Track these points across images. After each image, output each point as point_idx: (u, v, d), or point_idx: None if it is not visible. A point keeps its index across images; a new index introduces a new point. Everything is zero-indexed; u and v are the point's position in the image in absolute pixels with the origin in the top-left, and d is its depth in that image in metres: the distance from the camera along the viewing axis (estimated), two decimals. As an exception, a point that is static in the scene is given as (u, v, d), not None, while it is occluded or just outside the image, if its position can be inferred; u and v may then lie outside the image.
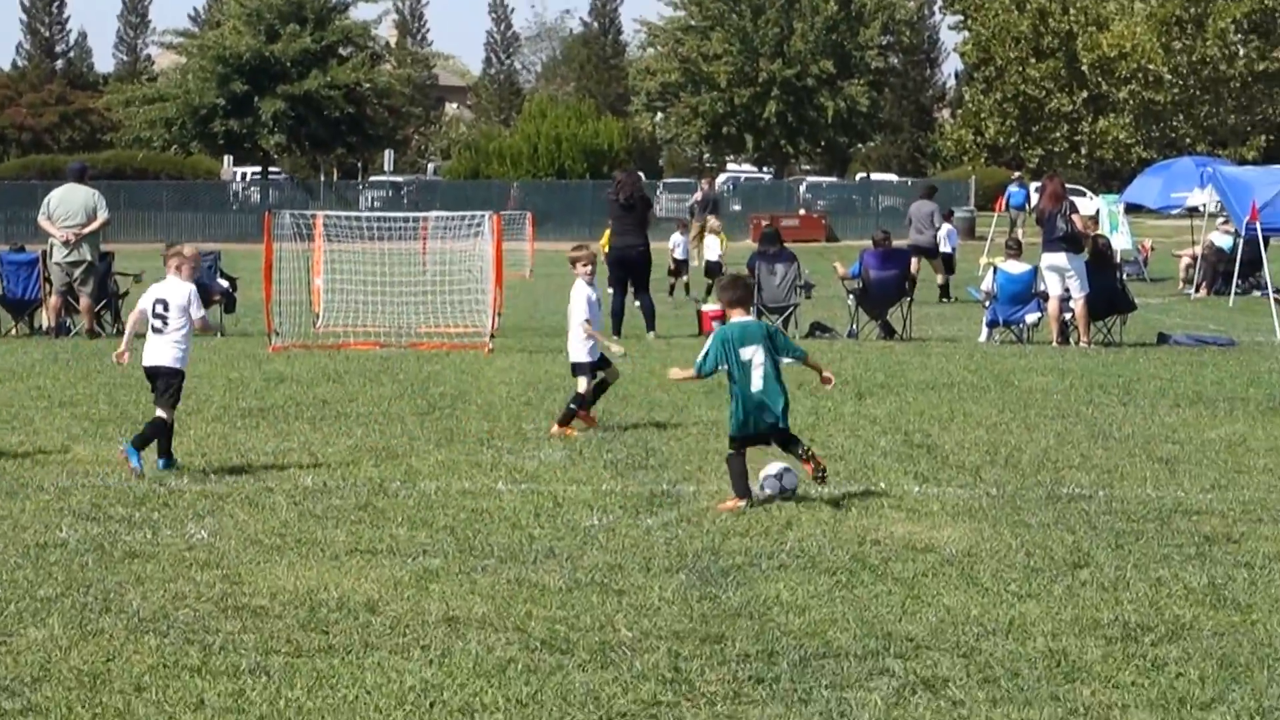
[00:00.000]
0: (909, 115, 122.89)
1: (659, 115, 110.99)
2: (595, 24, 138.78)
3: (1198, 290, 40.77)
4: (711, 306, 29.69)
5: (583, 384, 16.81)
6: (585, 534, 11.77)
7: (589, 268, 17.15)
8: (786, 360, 13.23)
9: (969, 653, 8.86)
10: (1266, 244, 35.37)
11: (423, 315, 27.80)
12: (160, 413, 14.41)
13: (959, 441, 16.08)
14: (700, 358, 13.19)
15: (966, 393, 19.95)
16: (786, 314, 28.04)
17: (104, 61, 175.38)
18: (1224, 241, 40.98)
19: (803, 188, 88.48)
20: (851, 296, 28.79)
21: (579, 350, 16.91)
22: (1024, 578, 10.51)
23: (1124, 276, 29.93)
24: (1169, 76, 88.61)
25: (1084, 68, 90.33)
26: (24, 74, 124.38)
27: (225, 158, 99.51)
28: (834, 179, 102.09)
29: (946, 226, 41.31)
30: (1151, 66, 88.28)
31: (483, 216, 28.89)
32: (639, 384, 19.90)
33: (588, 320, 16.90)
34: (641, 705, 8.03)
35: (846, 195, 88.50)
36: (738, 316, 13.21)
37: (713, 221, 42.24)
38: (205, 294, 27.51)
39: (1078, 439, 16.32)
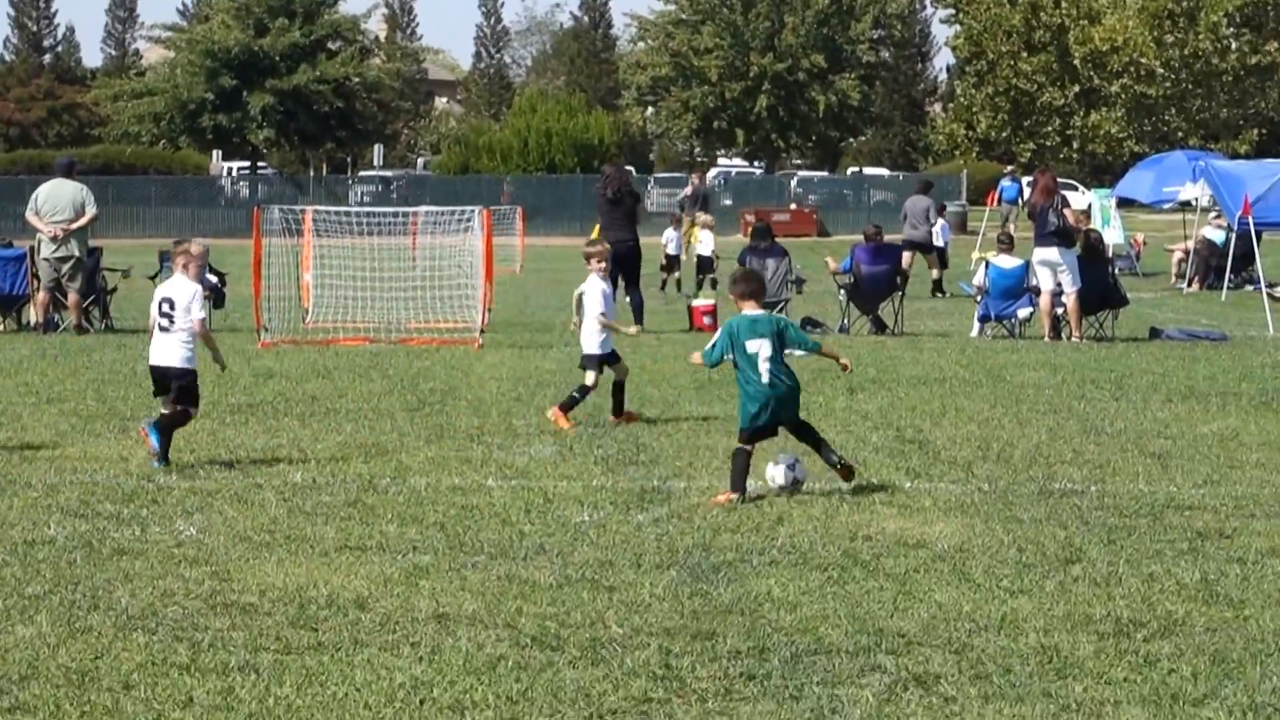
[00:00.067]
0: (900, 109, 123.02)
1: (649, 109, 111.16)
2: (585, 18, 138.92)
3: (1190, 285, 40.75)
4: (702, 302, 29.70)
5: (590, 377, 16.86)
6: (576, 530, 11.74)
7: (603, 263, 17.47)
8: (799, 353, 13.27)
9: (961, 649, 8.83)
10: (1259, 238, 35.31)
11: (413, 311, 27.78)
12: (164, 410, 14.51)
13: (951, 437, 16.06)
14: (709, 346, 13.30)
15: (958, 388, 19.93)
16: (778, 309, 27.96)
17: (92, 56, 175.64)
18: (1216, 236, 40.94)
19: (794, 182, 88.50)
20: (843, 291, 28.77)
21: (591, 343, 17.01)
22: (1016, 573, 10.48)
23: (1116, 271, 29.89)
24: (1161, 70, 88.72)
25: (1076, 61, 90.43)
26: (11, 69, 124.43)
27: (214, 153, 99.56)
28: (825, 173, 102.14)
29: (940, 221, 41.30)
30: (1143, 60, 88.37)
31: (473, 211, 28.87)
32: (629, 380, 19.84)
33: (603, 314, 17.05)
34: (632, 702, 8.00)
35: (838, 190, 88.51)
36: (748, 309, 13.24)
37: (705, 216, 42.18)
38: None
39: (1070, 434, 16.29)
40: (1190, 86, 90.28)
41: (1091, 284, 26.44)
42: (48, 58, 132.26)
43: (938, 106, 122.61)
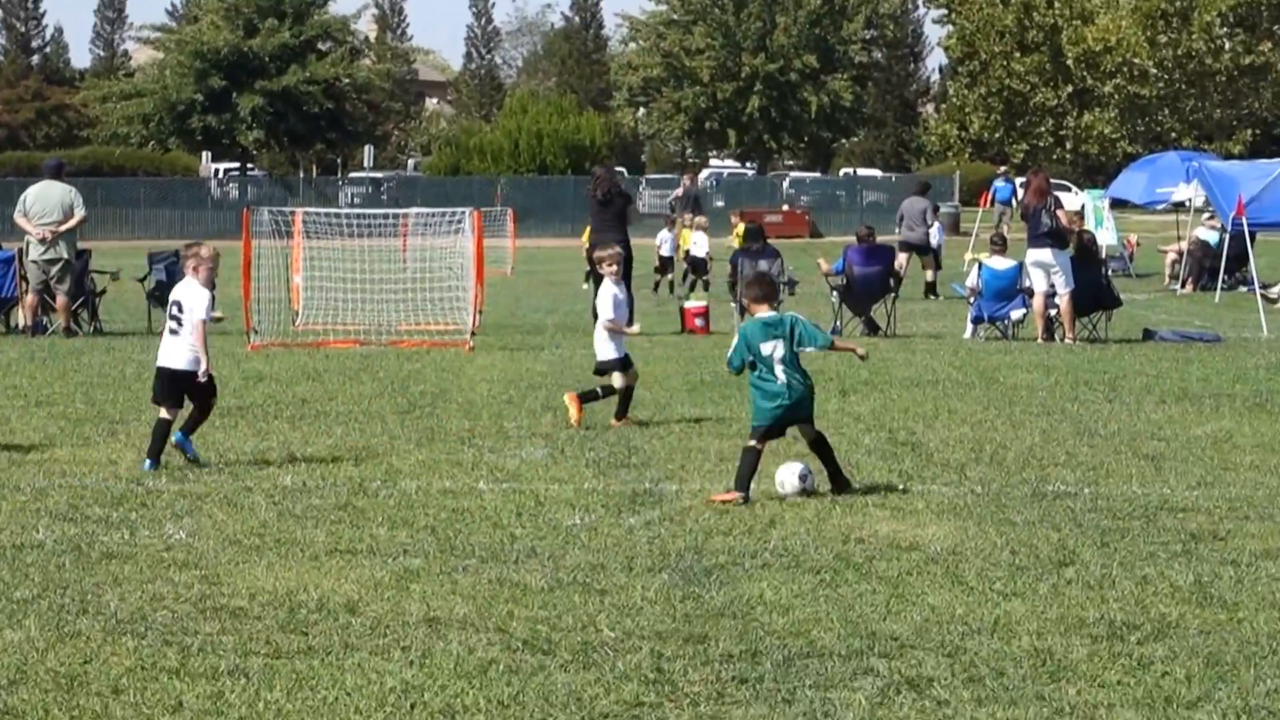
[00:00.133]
0: (893, 110, 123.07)
1: (641, 110, 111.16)
2: (576, 18, 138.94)
3: (1183, 286, 40.74)
4: (694, 303, 29.67)
5: (618, 379, 16.89)
6: (567, 533, 11.71)
7: (614, 267, 17.63)
8: (811, 349, 13.29)
9: (954, 652, 8.81)
10: (1253, 239, 35.29)
11: (403, 313, 27.73)
12: (195, 410, 14.61)
13: (943, 439, 16.04)
14: (729, 353, 13.38)
15: (951, 390, 19.91)
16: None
17: (81, 57, 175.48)
18: (1210, 237, 40.95)
19: (786, 183, 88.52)
20: (835, 293, 28.74)
21: (604, 349, 17.02)
22: (1009, 576, 10.45)
23: (1109, 272, 29.90)
24: (1154, 70, 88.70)
25: (1069, 62, 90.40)
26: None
27: (203, 154, 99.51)
28: (817, 174, 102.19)
29: (935, 223, 41.24)
30: (1137, 60, 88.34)
31: (464, 213, 28.82)
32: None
33: (611, 319, 17.08)
34: (624, 706, 7.97)
35: (830, 191, 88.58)
36: (761, 312, 13.33)
37: (700, 218, 42.22)
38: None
39: (1063, 436, 16.27)
40: (1184, 87, 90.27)
41: (1085, 285, 26.43)
42: (36, 59, 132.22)
43: (930, 107, 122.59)
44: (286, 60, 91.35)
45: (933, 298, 38.39)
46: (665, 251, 41.64)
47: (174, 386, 14.42)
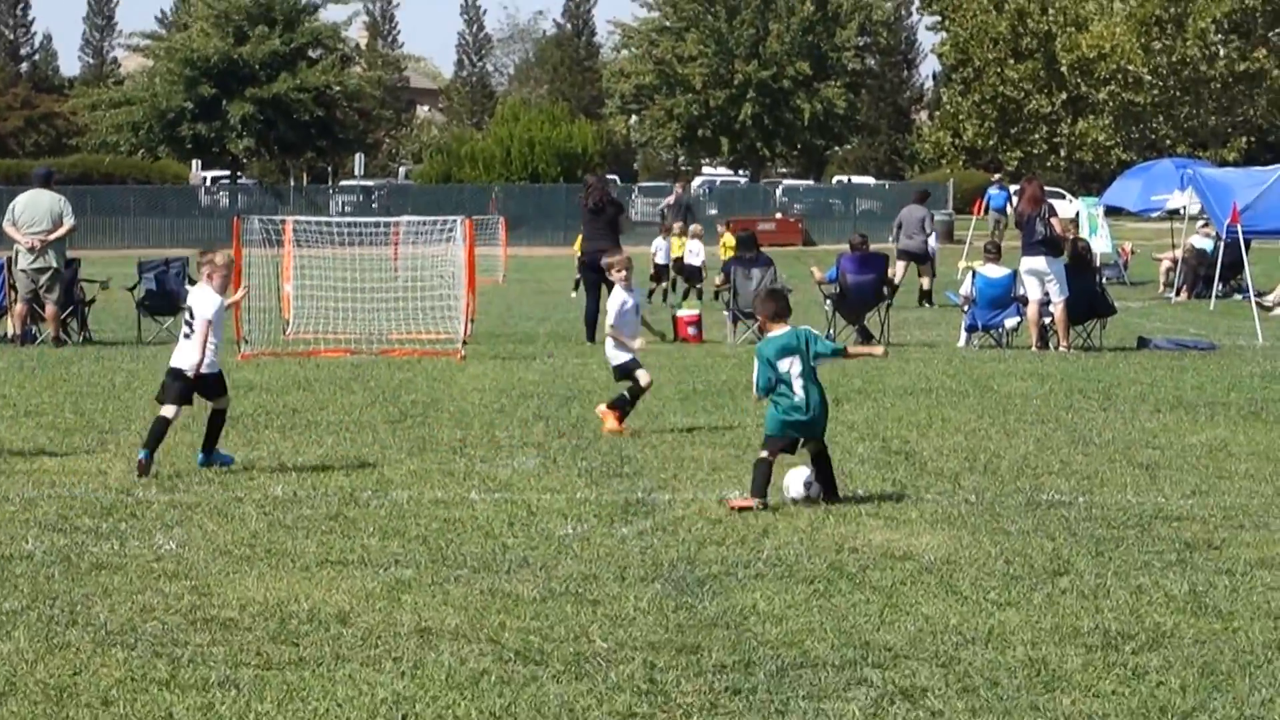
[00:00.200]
0: (886, 117, 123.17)
1: (633, 118, 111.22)
2: (568, 25, 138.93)
3: (1178, 294, 40.78)
4: (686, 312, 29.64)
5: (644, 376, 16.98)
6: (559, 543, 11.66)
7: (623, 273, 17.58)
8: (826, 360, 13.28)
9: (948, 662, 8.77)
10: (1248, 247, 35.31)
11: (394, 322, 27.70)
12: (216, 408, 14.65)
13: (937, 448, 16.01)
14: (754, 378, 13.31)
15: (945, 398, 19.88)
16: (762, 318, 27.92)
17: (70, 65, 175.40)
18: (1204, 244, 40.99)
19: (779, 191, 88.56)
20: (828, 301, 28.71)
21: (617, 355, 17.08)
22: (1003, 586, 10.42)
23: (1104, 280, 29.89)
24: (1149, 77, 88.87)
25: (1063, 69, 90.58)
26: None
27: (193, 162, 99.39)
28: (810, 182, 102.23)
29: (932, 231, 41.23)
30: (1131, 67, 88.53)
31: (455, 221, 28.79)
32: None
33: (613, 326, 17.15)
34: (617, 717, 7.94)
35: (823, 199, 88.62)
36: (776, 330, 13.30)
37: (695, 226, 42.31)
38: (173, 300, 27.49)
39: (1057, 445, 16.25)
40: (1178, 94, 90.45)
41: (1079, 293, 26.42)
42: (25, 66, 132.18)
43: (924, 114, 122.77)
44: (277, 68, 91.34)
45: (927, 306, 38.37)
46: (660, 260, 41.67)
47: (184, 386, 14.42)
